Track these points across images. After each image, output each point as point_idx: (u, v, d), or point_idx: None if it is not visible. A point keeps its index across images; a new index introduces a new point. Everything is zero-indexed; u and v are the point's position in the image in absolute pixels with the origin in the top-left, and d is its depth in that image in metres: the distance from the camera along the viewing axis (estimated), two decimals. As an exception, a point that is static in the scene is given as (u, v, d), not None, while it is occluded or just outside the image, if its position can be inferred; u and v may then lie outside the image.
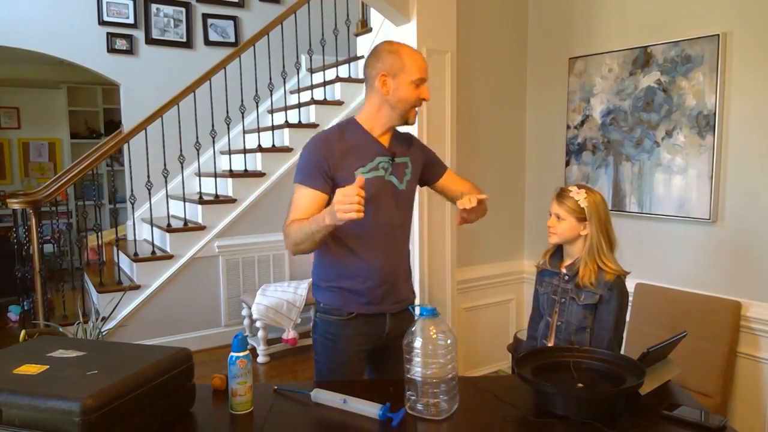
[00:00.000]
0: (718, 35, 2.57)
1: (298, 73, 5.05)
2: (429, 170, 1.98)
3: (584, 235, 1.90)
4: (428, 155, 2.00)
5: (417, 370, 1.38)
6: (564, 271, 1.96)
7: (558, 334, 1.94)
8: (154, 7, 5.18)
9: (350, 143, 1.78)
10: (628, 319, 2.82)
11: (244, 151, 4.64)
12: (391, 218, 1.83)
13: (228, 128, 4.56)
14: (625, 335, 2.77)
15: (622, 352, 1.92)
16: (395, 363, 1.86)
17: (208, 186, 4.62)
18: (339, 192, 1.54)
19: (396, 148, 1.86)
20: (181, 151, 4.23)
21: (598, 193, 1.94)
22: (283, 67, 4.62)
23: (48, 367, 1.29)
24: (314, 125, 4.64)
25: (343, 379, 1.79)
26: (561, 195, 1.95)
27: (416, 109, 1.81)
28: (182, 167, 4.32)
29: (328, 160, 1.74)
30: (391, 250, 1.85)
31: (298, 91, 4.93)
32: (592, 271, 1.86)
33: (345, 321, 1.82)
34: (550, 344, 1.96)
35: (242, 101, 4.45)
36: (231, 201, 4.39)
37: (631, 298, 2.82)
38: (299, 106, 4.69)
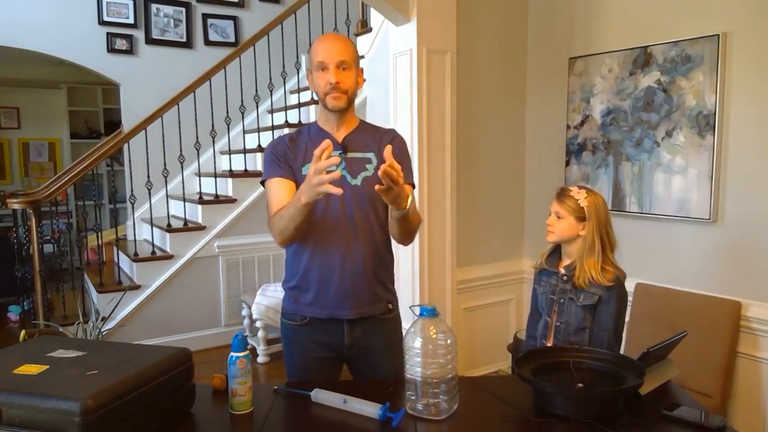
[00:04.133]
0: (718, 35, 2.57)
1: (298, 73, 5.05)
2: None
3: (583, 235, 1.90)
4: (402, 159, 1.69)
5: (417, 370, 1.38)
6: (562, 271, 1.96)
7: (557, 334, 1.94)
8: (154, 7, 5.18)
9: (303, 140, 1.77)
10: (628, 319, 2.82)
11: (244, 151, 4.64)
12: (344, 214, 1.71)
13: (228, 128, 4.57)
14: (625, 335, 2.78)
15: (621, 352, 1.92)
16: (375, 373, 1.78)
17: (208, 186, 4.62)
18: (311, 168, 1.44)
19: (354, 142, 1.75)
20: (181, 151, 4.23)
21: (599, 195, 1.95)
22: (283, 67, 4.62)
23: (48, 367, 1.29)
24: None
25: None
26: (562, 194, 1.95)
27: (332, 94, 1.68)
28: (182, 167, 4.32)
29: (285, 153, 1.73)
30: (348, 249, 1.71)
31: (298, 91, 4.94)
32: (588, 272, 1.86)
33: (298, 326, 1.77)
34: (549, 344, 1.96)
35: (242, 101, 4.45)
36: (231, 201, 4.39)
37: (631, 298, 2.82)
38: (299, 106, 4.69)
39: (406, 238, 1.75)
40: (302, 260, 1.74)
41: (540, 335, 2.02)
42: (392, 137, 1.80)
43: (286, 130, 4.58)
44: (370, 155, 1.75)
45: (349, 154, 1.73)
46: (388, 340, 1.81)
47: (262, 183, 1.78)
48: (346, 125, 1.77)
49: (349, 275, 1.72)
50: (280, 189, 1.70)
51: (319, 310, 1.74)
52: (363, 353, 1.78)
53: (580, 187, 1.95)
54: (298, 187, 1.64)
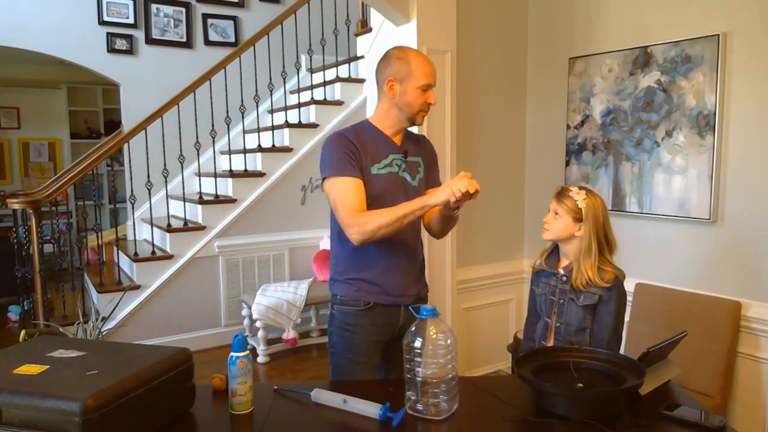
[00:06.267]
0: (718, 35, 2.57)
1: (298, 73, 5.05)
2: (428, 177, 2.02)
3: (579, 236, 1.90)
4: (435, 162, 2.06)
5: (417, 370, 1.38)
6: (561, 271, 1.96)
7: (557, 335, 1.94)
8: (154, 7, 5.18)
9: (365, 140, 1.85)
10: (628, 319, 2.82)
11: (244, 151, 4.64)
12: None
13: (228, 128, 4.56)
14: (625, 335, 2.78)
15: (621, 352, 1.92)
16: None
17: (208, 186, 4.62)
18: (451, 180, 1.67)
19: (408, 147, 1.94)
20: (181, 151, 4.23)
21: (599, 197, 1.94)
22: (283, 67, 4.62)
23: (48, 367, 1.29)
24: (314, 125, 4.64)
25: (360, 370, 1.85)
26: (561, 193, 1.96)
27: (425, 113, 1.89)
28: (182, 167, 4.32)
29: (355, 152, 1.81)
30: (406, 243, 1.90)
31: (298, 91, 4.93)
32: (585, 273, 1.86)
33: (362, 311, 1.87)
34: (550, 345, 1.96)
35: (242, 101, 4.45)
36: (231, 201, 4.39)
37: (631, 298, 2.83)
38: (299, 106, 4.69)
39: (444, 234, 2.01)
40: (369, 253, 1.84)
41: (539, 336, 2.02)
42: (430, 143, 2.08)
43: (286, 131, 4.58)
44: (419, 159, 1.96)
45: (409, 158, 1.92)
46: None
47: (325, 178, 1.83)
48: (401, 132, 1.93)
49: (410, 266, 1.94)
50: (357, 189, 1.79)
51: (384, 297, 1.88)
52: None
53: (580, 188, 1.95)
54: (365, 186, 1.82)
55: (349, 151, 1.80)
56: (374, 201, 1.81)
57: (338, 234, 1.89)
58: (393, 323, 1.90)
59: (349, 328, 1.88)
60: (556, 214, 1.94)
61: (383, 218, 1.72)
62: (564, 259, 1.98)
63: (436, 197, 1.71)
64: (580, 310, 1.89)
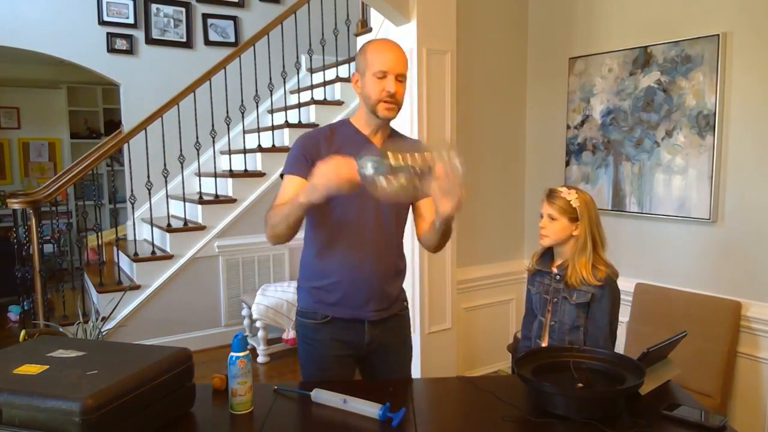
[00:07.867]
0: (718, 35, 2.57)
1: (298, 73, 5.05)
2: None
3: (576, 235, 1.91)
4: None
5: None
6: (555, 270, 1.97)
7: (552, 333, 1.95)
8: (154, 7, 5.18)
9: (339, 142, 1.72)
10: (627, 319, 2.82)
11: (244, 151, 4.64)
12: (376, 218, 1.73)
13: (228, 128, 4.57)
14: (625, 335, 2.78)
15: (615, 350, 1.92)
16: (386, 373, 1.81)
17: (208, 186, 4.62)
18: (319, 165, 1.48)
19: (391, 149, 1.79)
20: (181, 151, 4.23)
21: (588, 194, 1.96)
22: (283, 67, 4.62)
23: (48, 367, 1.29)
24: (314, 125, 4.63)
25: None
26: (552, 195, 1.95)
27: (387, 104, 1.68)
28: (182, 167, 4.32)
29: (313, 156, 1.66)
30: (374, 252, 1.74)
31: (298, 91, 4.94)
32: (579, 271, 1.87)
33: (320, 325, 1.75)
34: (544, 344, 1.97)
35: (242, 101, 4.45)
36: (231, 201, 4.39)
37: (630, 298, 2.83)
38: (299, 106, 4.69)
39: (442, 245, 1.76)
40: (331, 261, 1.73)
41: (534, 335, 2.03)
42: (417, 145, 1.91)
43: (287, 131, 4.58)
44: None
45: None
46: (402, 335, 1.87)
47: (282, 175, 1.74)
48: (382, 131, 1.77)
49: (378, 279, 1.75)
50: (294, 188, 1.65)
51: (343, 310, 1.74)
52: (380, 349, 1.80)
53: (569, 187, 1.96)
54: None
55: (308, 151, 1.68)
56: (344, 204, 1.67)
57: (306, 238, 1.80)
58: (357, 340, 1.76)
59: (309, 342, 1.77)
60: (552, 218, 1.93)
61: (274, 218, 1.60)
62: (558, 258, 1.98)
63: (303, 194, 1.51)
64: (573, 309, 1.89)
